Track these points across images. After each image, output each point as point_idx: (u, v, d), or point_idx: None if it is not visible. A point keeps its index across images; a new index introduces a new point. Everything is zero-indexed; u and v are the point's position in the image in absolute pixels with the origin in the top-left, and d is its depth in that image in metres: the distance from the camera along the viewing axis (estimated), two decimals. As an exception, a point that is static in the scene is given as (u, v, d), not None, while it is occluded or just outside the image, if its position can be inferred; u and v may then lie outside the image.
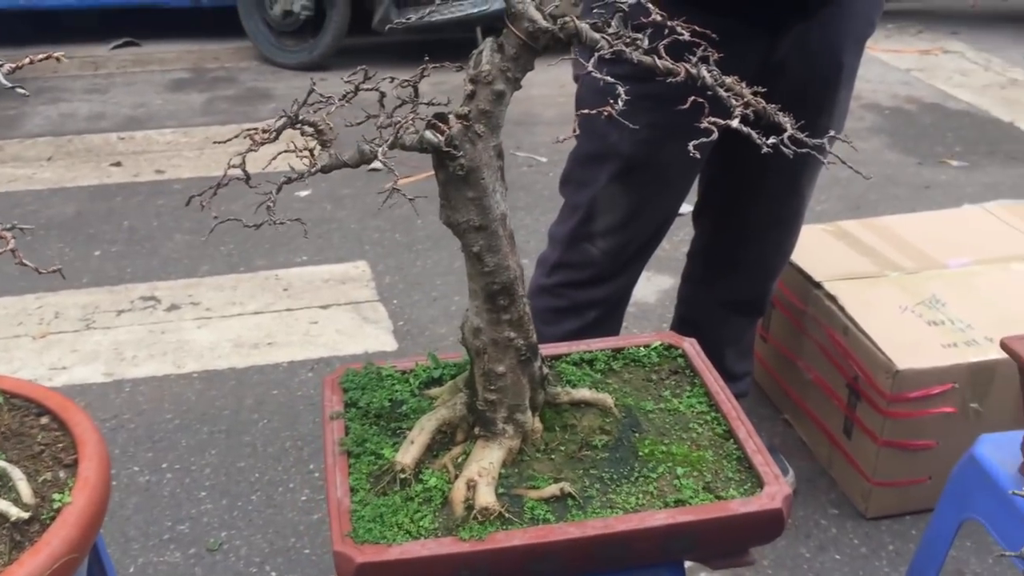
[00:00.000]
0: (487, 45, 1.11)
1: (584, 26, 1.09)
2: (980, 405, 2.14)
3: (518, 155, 4.33)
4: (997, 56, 5.90)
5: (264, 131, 1.14)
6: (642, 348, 1.54)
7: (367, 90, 1.19)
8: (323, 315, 3.08)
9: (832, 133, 1.12)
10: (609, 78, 1.01)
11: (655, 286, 3.23)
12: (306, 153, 1.10)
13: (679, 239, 3.09)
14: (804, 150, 1.05)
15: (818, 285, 2.36)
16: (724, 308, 2.24)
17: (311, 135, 1.15)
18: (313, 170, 1.08)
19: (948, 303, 2.28)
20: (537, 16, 1.07)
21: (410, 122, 1.11)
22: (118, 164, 4.29)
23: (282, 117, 1.13)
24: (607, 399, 1.39)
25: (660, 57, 1.07)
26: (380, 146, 1.09)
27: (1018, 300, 2.30)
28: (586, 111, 1.07)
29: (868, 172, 4.26)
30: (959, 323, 2.21)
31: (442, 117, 1.13)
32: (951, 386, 2.10)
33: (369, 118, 1.16)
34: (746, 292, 2.23)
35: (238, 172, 1.14)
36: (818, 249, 2.50)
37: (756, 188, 2.03)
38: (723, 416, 1.39)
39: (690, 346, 1.54)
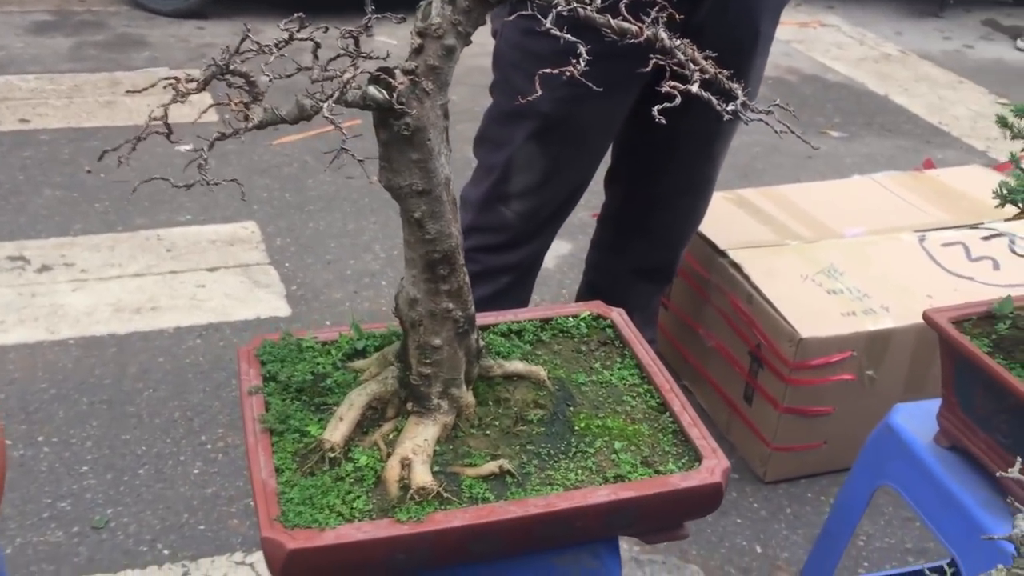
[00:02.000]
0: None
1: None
2: (875, 372, 2.20)
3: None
4: (871, 31, 6.11)
5: (189, 80, 1.04)
6: (570, 318, 1.51)
7: (302, 39, 1.10)
8: (210, 278, 2.93)
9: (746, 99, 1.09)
10: (569, 36, 0.96)
11: (554, 251, 3.20)
12: (239, 106, 1.00)
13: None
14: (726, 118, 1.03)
15: (723, 253, 2.38)
16: (633, 275, 2.23)
17: (241, 87, 1.05)
18: (249, 126, 0.99)
19: (845, 272, 2.34)
20: (488, -37, 1.01)
21: (352, 77, 1.03)
22: (-25, 112, 3.97)
23: (211, 66, 1.03)
24: (540, 372, 1.35)
25: (618, 17, 1.02)
26: (324, 101, 1.01)
27: (909, 269, 2.38)
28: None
29: (753, 140, 4.31)
30: (856, 292, 2.27)
31: (388, 71, 1.06)
32: (850, 354, 2.15)
33: (301, 70, 1.07)
34: (656, 259, 2.22)
35: (159, 126, 1.03)
36: (720, 217, 2.52)
37: (670, 153, 2.02)
38: (656, 388, 1.37)
39: (618, 316, 1.51)
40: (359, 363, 1.38)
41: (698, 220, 2.20)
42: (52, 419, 2.35)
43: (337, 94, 1.02)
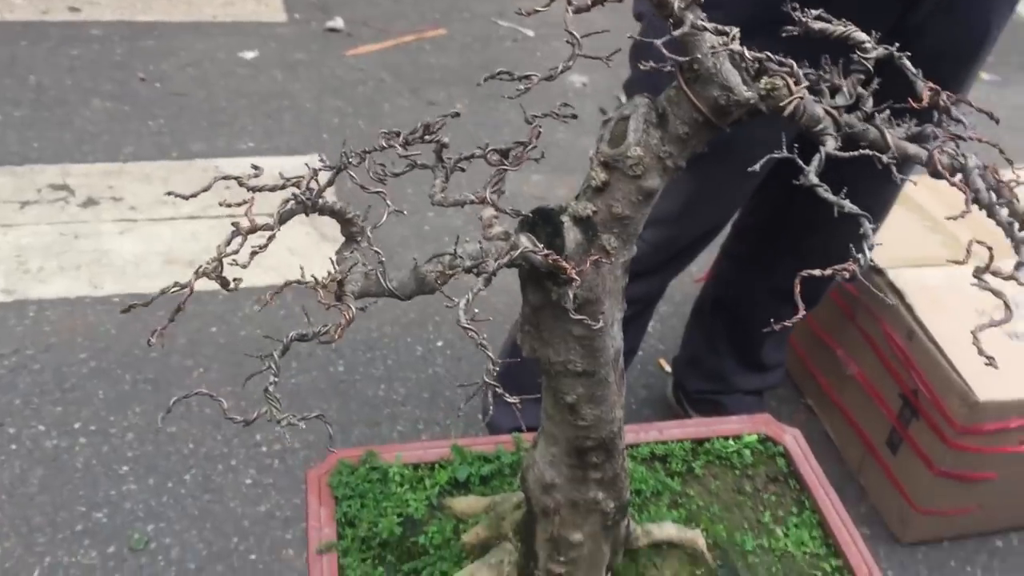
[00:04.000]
0: (638, 112, 0.66)
1: (811, 103, 0.63)
2: (1056, 437, 1.83)
3: (500, 24, 3.76)
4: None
5: (251, 221, 0.70)
6: (731, 441, 1.16)
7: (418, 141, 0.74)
8: (272, 226, 2.59)
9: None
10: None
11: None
12: (328, 292, 0.66)
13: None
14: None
15: (879, 271, 1.98)
16: (774, 297, 1.86)
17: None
18: (341, 328, 0.64)
19: (1030, 308, 1.93)
20: (736, 82, 0.62)
21: (497, 233, 0.67)
22: (23, -5, 3.61)
23: (289, 201, 0.68)
24: (696, 539, 1.01)
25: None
26: (451, 270, 0.65)
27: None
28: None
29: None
30: (1042, 336, 1.87)
31: (545, 215, 0.69)
32: (1033, 420, 1.77)
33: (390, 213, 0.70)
34: (807, 282, 1.83)
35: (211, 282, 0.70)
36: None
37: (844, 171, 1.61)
38: (849, 569, 1.03)
39: (793, 442, 1.16)
40: (461, 504, 1.05)
41: (869, 247, 1.80)
42: (91, 400, 2.08)
43: (475, 262, 0.66)
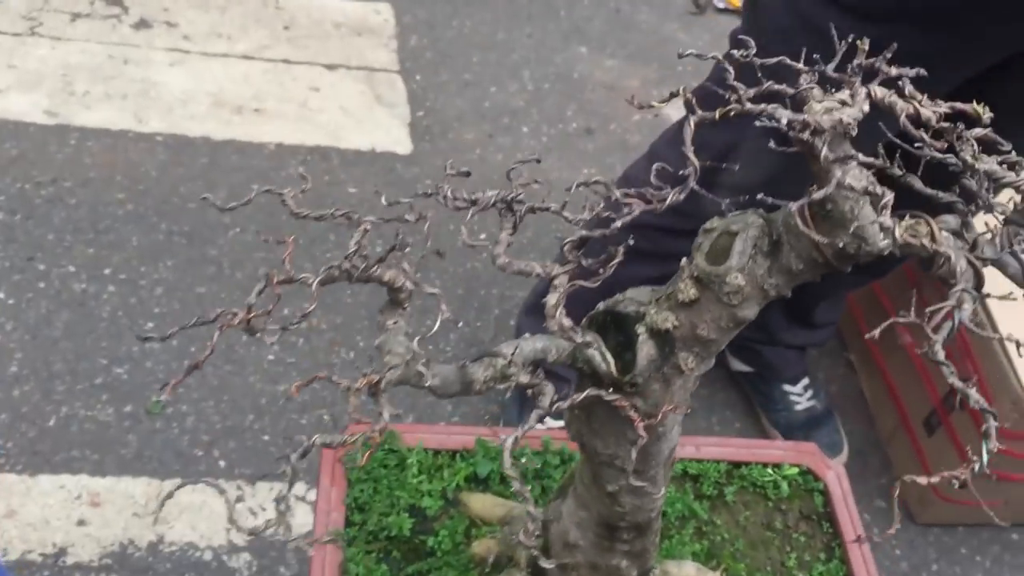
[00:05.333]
0: (747, 233, 0.55)
1: (955, 254, 0.53)
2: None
3: None
4: None
5: (288, 273, 0.63)
6: (770, 469, 1.10)
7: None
8: (328, 80, 2.47)
9: None
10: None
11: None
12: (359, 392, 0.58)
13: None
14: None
15: (957, 247, 1.85)
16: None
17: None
18: (382, 424, 0.58)
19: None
20: (873, 233, 0.51)
21: (562, 327, 0.58)
22: None
23: (332, 268, 0.60)
24: (716, 582, 0.97)
25: None
26: (505, 379, 0.57)
27: None
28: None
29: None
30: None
31: (619, 320, 0.60)
32: (1084, 436, 1.69)
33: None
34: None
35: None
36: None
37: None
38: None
39: (835, 480, 1.10)
40: (477, 504, 1.00)
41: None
42: (123, 246, 2.04)
43: (527, 375, 0.57)
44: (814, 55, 0.58)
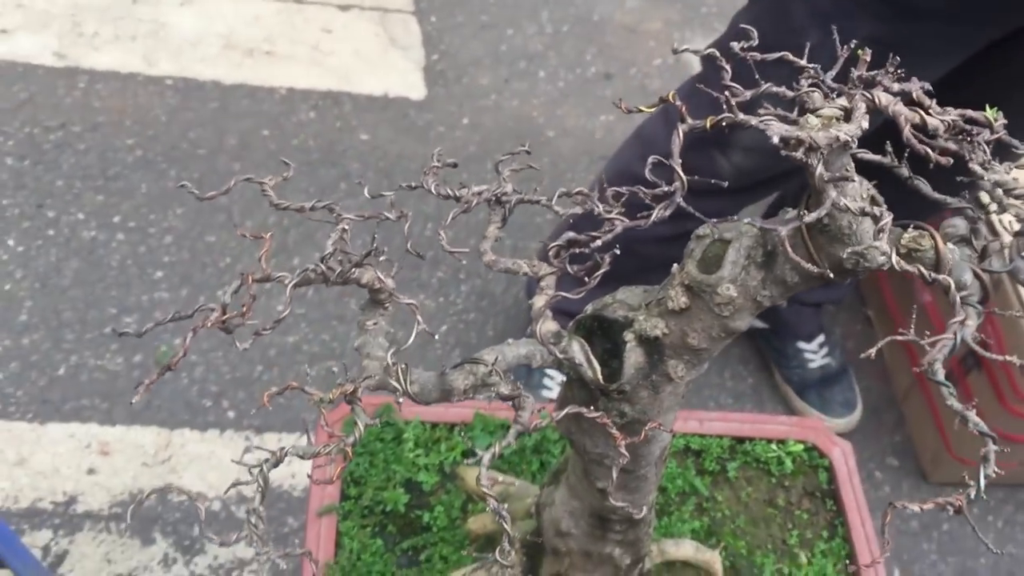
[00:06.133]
0: (740, 243, 0.52)
1: (960, 268, 0.51)
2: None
3: None
4: None
5: (265, 270, 0.61)
6: (774, 445, 1.07)
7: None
8: (340, 20, 2.42)
9: None
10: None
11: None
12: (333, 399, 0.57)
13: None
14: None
15: (982, 205, 1.80)
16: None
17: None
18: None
19: None
20: (872, 255, 0.48)
21: (548, 331, 0.55)
22: None
23: (307, 270, 0.58)
24: (714, 562, 0.96)
25: None
26: (485, 387, 0.55)
27: None
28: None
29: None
30: None
31: (606, 325, 0.57)
32: (1103, 402, 1.66)
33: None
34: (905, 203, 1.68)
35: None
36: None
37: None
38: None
39: (840, 457, 1.07)
40: (473, 478, 0.99)
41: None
42: (133, 193, 2.02)
43: (508, 387, 0.55)
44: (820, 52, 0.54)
